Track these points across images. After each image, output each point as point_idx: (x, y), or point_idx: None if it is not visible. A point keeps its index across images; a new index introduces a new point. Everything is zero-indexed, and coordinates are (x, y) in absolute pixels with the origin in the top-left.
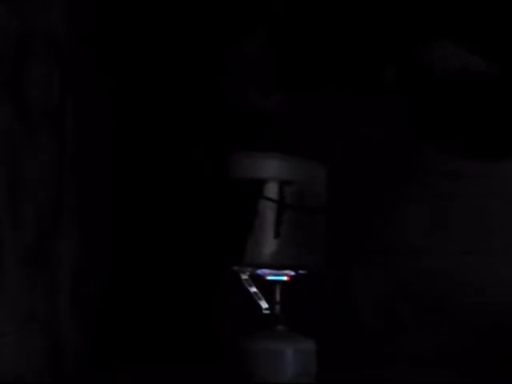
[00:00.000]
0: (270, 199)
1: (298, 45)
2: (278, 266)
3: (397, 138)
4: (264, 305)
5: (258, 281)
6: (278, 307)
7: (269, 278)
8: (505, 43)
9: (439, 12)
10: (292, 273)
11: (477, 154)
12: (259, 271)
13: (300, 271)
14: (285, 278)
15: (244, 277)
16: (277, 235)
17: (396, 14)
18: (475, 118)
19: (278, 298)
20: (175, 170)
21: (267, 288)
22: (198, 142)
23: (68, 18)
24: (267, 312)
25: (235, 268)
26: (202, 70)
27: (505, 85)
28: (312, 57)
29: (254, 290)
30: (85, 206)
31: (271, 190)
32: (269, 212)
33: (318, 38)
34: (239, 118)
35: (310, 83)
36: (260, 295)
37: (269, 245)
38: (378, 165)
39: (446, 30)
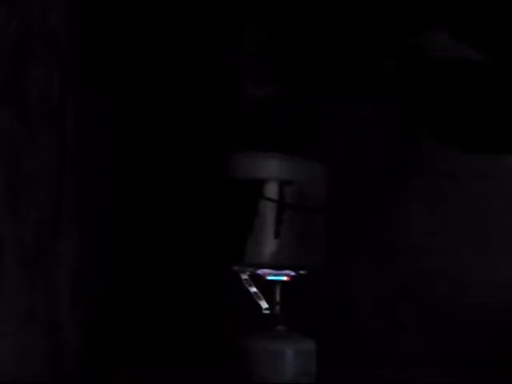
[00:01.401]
0: (270, 199)
1: (297, 44)
2: (278, 266)
3: (397, 137)
4: (264, 305)
5: (258, 281)
6: (277, 307)
7: (269, 278)
8: (504, 35)
9: (437, 2)
10: (292, 273)
11: (478, 147)
12: (259, 271)
13: (300, 271)
14: (285, 278)
15: (244, 277)
16: (277, 235)
17: (394, 3)
18: (476, 109)
19: (278, 298)
20: (175, 169)
21: (267, 288)
22: (198, 142)
23: (68, 18)
24: (267, 312)
25: (235, 268)
26: (202, 70)
27: (505, 75)
28: (312, 55)
29: (254, 290)
30: (85, 206)
31: (271, 190)
32: (269, 212)
33: (317, 35)
34: (239, 118)
35: (310, 83)
36: (260, 295)
37: (269, 245)
38: (377, 165)
39: (443, 20)
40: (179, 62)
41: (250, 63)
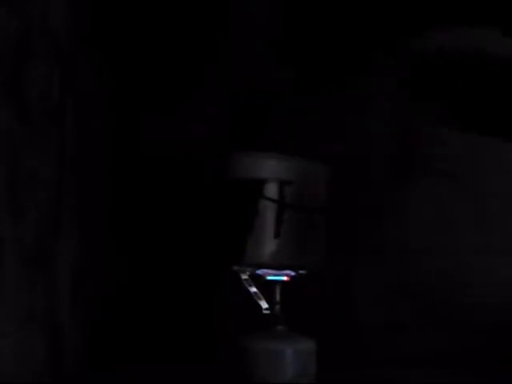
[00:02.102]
0: (270, 199)
1: (297, 43)
2: (278, 266)
3: (397, 138)
4: (264, 305)
5: (258, 281)
6: (277, 307)
7: (269, 278)
8: None
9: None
10: (292, 273)
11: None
12: (259, 271)
13: (300, 271)
14: (285, 278)
15: (244, 277)
16: (277, 235)
17: (395, 3)
18: (482, 101)
19: (278, 297)
20: (175, 169)
21: (267, 288)
22: (197, 142)
23: (68, 18)
24: (267, 312)
25: (235, 268)
26: (202, 69)
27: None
28: (311, 54)
29: (254, 290)
30: (85, 206)
31: (271, 190)
32: (269, 212)
33: (317, 34)
34: (239, 118)
35: (310, 82)
36: (260, 295)
37: (269, 245)
38: (378, 165)
39: (446, 19)
40: (179, 61)
41: (250, 62)
